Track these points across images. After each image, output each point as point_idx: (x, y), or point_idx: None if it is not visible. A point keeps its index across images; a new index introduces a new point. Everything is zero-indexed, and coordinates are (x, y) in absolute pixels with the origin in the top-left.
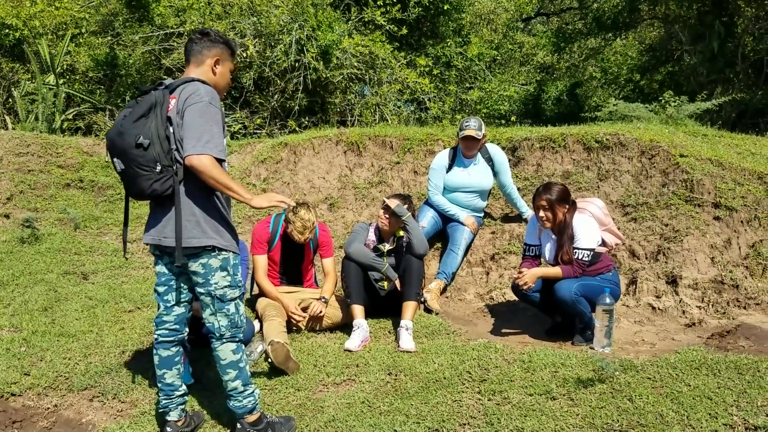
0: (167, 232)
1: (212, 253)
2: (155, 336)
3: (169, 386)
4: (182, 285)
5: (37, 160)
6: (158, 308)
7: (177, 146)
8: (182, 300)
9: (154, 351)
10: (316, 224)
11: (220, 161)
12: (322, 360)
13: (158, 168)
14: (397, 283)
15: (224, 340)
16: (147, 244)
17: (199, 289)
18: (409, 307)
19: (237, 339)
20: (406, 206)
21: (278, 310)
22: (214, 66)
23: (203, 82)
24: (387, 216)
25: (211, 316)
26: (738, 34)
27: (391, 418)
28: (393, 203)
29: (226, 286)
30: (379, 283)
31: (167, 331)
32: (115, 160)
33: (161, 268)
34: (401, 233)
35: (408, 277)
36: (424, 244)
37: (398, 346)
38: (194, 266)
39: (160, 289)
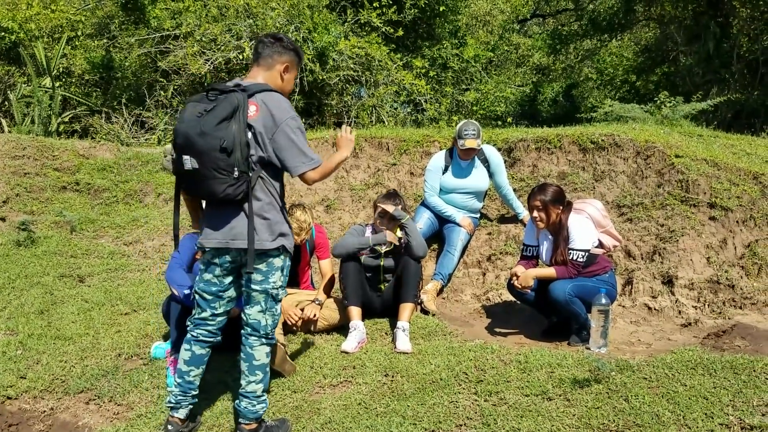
0: (235, 234)
1: (278, 254)
2: (194, 334)
3: (190, 384)
4: (231, 295)
5: (33, 163)
6: (199, 311)
7: (254, 153)
8: (228, 309)
9: (187, 347)
10: (312, 225)
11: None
12: (319, 362)
13: (236, 173)
14: (393, 238)
15: (264, 341)
16: (208, 248)
17: (256, 287)
18: (406, 308)
19: (273, 342)
20: (400, 206)
21: None
22: (283, 72)
23: (275, 90)
24: (384, 221)
25: (260, 313)
26: (733, 34)
27: (388, 420)
28: (390, 208)
29: (279, 287)
30: (377, 285)
31: (207, 332)
32: (186, 158)
33: (212, 278)
34: (398, 234)
35: (405, 278)
36: (423, 246)
37: (395, 348)
38: (258, 264)
39: (209, 297)
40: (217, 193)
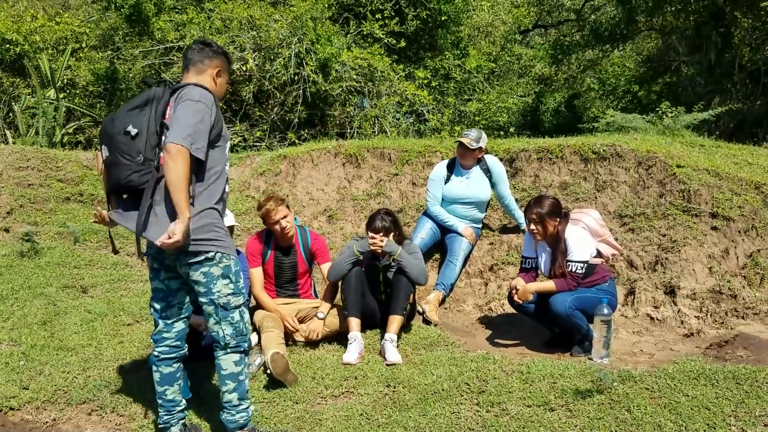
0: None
1: (213, 261)
2: (156, 353)
3: (171, 402)
4: (181, 300)
5: (37, 174)
6: (156, 325)
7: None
8: (182, 316)
9: (155, 368)
10: (284, 208)
11: (199, 162)
12: (321, 372)
13: (140, 158)
14: (377, 246)
15: (228, 350)
16: (146, 256)
17: (202, 299)
18: (395, 321)
19: (242, 350)
20: (391, 235)
21: (276, 321)
22: (216, 77)
23: (201, 86)
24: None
25: (216, 325)
26: (735, 44)
27: (390, 431)
28: (383, 243)
29: (229, 294)
30: (378, 296)
31: (168, 348)
32: (103, 147)
33: (159, 284)
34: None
35: (396, 291)
36: (423, 274)
37: (384, 360)
38: (195, 275)
39: (158, 305)
40: (122, 179)
